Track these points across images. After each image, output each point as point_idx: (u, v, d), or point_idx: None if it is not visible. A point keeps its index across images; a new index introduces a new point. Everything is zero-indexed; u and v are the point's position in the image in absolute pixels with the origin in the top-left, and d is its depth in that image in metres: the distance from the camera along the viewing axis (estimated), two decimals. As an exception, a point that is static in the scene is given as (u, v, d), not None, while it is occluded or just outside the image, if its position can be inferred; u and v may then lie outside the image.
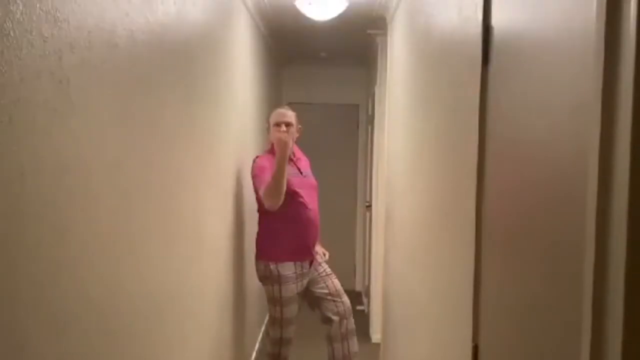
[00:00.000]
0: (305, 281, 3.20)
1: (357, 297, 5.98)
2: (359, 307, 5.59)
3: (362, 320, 5.05)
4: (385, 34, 4.01)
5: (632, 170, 0.71)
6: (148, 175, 1.53)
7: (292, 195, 3.03)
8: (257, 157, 3.25)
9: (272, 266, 3.10)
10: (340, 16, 3.68)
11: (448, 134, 1.84)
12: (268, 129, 3.25)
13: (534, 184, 1.08)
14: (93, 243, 1.18)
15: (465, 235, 1.50)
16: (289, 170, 3.03)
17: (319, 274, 3.27)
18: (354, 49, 5.34)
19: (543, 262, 1.02)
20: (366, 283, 5.51)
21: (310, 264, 3.22)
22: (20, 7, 0.89)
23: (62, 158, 1.03)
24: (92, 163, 1.16)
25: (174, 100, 1.79)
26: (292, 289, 3.13)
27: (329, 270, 3.32)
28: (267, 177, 2.96)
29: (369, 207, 5.10)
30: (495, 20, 1.36)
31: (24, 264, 0.92)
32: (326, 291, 3.25)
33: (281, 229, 3.10)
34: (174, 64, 1.79)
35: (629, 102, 0.71)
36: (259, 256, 3.18)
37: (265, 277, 3.14)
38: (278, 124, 3.15)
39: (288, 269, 3.11)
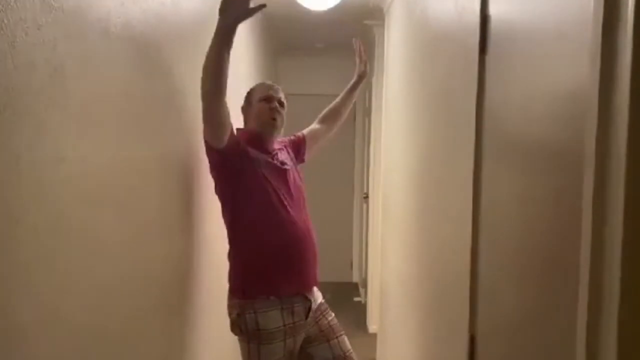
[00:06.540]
0: (299, 337, 2.09)
1: (354, 288, 6.01)
2: (356, 299, 5.62)
3: (359, 311, 5.08)
4: (382, 25, 4.00)
5: (628, 157, 0.71)
6: (144, 166, 1.53)
7: (267, 194, 2.04)
8: None
9: (249, 315, 2.00)
10: (336, 6, 3.67)
11: (445, 124, 1.84)
12: (246, 108, 2.31)
13: (531, 180, 1.08)
14: (90, 234, 1.18)
15: (463, 226, 1.51)
16: (260, 159, 2.10)
17: (319, 329, 2.15)
18: (350, 39, 5.30)
19: (540, 256, 1.03)
20: (363, 274, 5.53)
21: (308, 312, 2.11)
22: (14, -5, 0.88)
23: (58, 147, 1.03)
24: (88, 151, 1.15)
25: (169, 90, 1.78)
26: (277, 349, 2.02)
27: (335, 321, 2.21)
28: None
29: (367, 198, 5.11)
30: (493, 9, 1.35)
31: (20, 253, 0.92)
32: (329, 355, 2.14)
33: (254, 246, 2.05)
34: (169, 53, 1.78)
35: (626, 90, 0.71)
36: (230, 291, 2.10)
37: (238, 329, 2.05)
38: (268, 99, 2.21)
39: (273, 320, 2.00)
